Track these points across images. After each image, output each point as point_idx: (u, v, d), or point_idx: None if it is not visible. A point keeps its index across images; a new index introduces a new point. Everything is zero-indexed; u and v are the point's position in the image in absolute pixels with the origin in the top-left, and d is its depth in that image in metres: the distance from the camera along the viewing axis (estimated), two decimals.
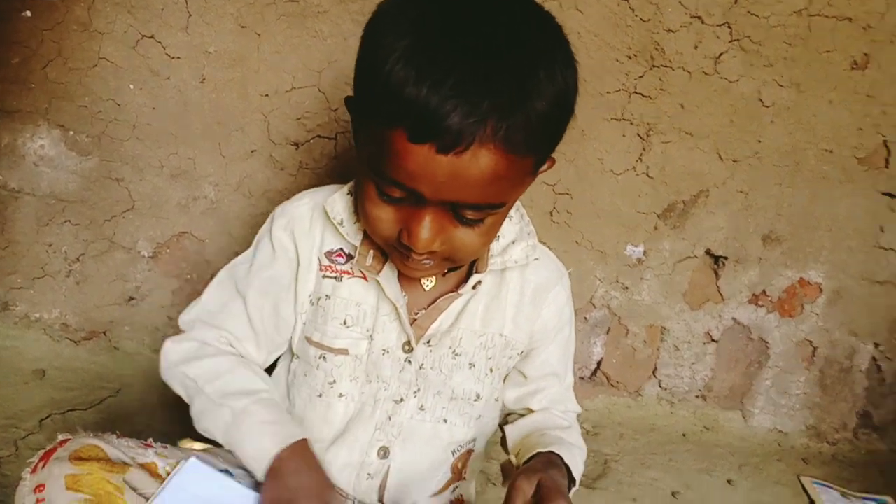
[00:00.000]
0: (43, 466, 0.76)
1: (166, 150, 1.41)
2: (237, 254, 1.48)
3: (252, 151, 1.44)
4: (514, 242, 0.91)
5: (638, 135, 1.62)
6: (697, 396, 1.79)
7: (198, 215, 1.46)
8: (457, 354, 0.92)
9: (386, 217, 0.77)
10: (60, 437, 0.80)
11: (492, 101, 0.65)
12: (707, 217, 1.69)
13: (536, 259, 0.94)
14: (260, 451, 0.82)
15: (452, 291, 0.90)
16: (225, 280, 0.95)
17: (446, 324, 0.91)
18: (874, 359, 1.82)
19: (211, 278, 0.96)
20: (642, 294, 1.70)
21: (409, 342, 0.90)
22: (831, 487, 1.66)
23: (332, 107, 1.44)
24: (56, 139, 1.38)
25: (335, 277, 0.91)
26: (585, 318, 1.69)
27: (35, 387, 1.34)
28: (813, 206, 1.70)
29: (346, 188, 0.91)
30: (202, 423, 0.88)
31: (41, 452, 0.78)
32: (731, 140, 1.65)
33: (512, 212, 0.91)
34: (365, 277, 0.90)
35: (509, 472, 0.93)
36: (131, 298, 1.46)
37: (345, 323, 0.90)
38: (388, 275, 0.88)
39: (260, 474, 0.81)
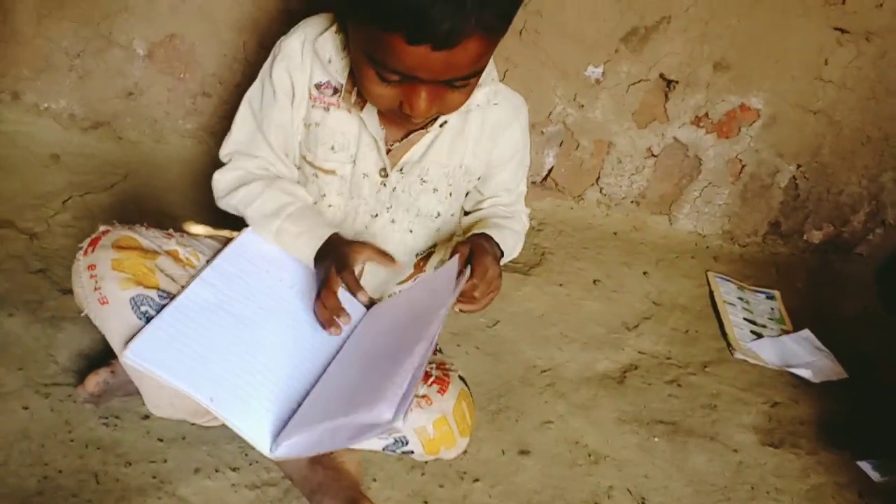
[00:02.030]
0: (92, 251, 0.99)
1: None
2: (226, 56, 1.60)
3: None
4: (479, 86, 1.02)
5: None
6: (632, 202, 2.03)
7: (188, 18, 1.53)
8: (424, 181, 1.10)
9: (387, 94, 0.92)
10: (102, 228, 1.02)
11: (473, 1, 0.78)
12: (666, 42, 1.79)
13: (496, 104, 1.09)
14: (305, 257, 1.05)
15: (423, 129, 1.06)
16: (246, 114, 1.09)
17: (417, 155, 1.07)
18: (794, 178, 2.03)
19: (233, 110, 1.10)
20: (595, 112, 1.86)
21: (384, 169, 1.07)
22: (730, 281, 1.96)
23: None
24: None
25: (324, 108, 1.04)
26: (542, 132, 1.87)
27: (53, 170, 1.51)
28: (765, 36, 1.79)
29: (334, 27, 1.01)
30: (259, 234, 1.09)
31: (88, 240, 1.01)
32: None
33: None
34: (349, 110, 1.04)
35: None
36: (130, 93, 1.58)
37: (332, 148, 1.06)
38: (369, 111, 1.03)
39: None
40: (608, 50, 1.78)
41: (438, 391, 1.07)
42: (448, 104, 0.95)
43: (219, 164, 1.10)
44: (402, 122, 1.01)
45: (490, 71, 1.06)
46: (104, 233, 1.01)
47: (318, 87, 1.04)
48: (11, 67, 1.51)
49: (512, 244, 1.16)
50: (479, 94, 1.04)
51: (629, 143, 1.93)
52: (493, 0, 0.81)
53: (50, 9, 1.47)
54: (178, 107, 1.63)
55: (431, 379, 1.09)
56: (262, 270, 1.04)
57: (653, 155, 1.95)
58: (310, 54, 1.02)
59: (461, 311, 1.01)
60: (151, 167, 1.59)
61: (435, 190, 1.12)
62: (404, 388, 0.79)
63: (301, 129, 1.07)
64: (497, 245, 1.09)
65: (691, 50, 1.81)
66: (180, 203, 1.53)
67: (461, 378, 1.14)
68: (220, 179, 1.09)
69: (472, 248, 1.01)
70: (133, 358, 0.88)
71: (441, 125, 1.06)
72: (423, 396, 1.05)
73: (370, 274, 1.13)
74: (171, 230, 1.08)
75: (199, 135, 1.68)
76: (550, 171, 1.94)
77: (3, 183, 1.43)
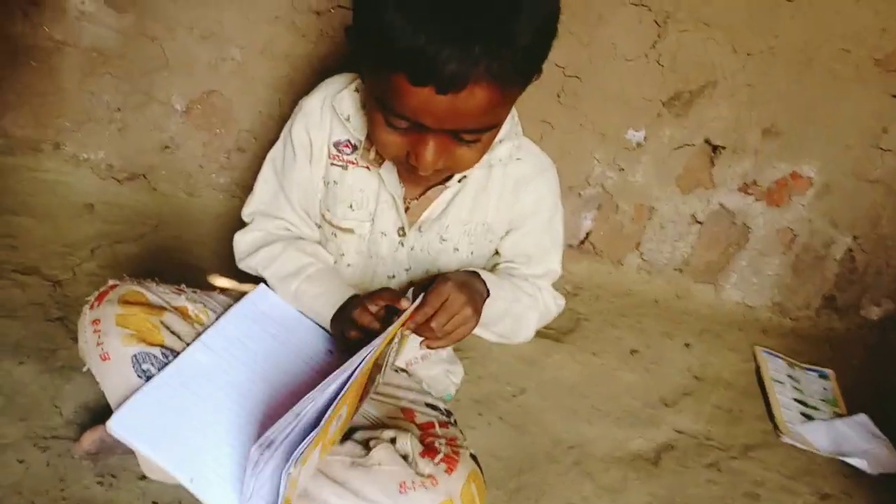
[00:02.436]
0: (98, 305, 0.97)
1: (196, 13, 1.50)
2: (261, 113, 1.62)
3: (276, 17, 1.52)
4: (501, 141, 1.00)
5: (655, 21, 1.64)
6: (675, 269, 1.95)
7: (225, 75, 1.57)
8: (443, 239, 1.06)
9: (394, 141, 0.88)
10: (110, 282, 1.00)
11: (482, 44, 0.74)
12: (711, 107, 1.74)
13: (519, 159, 1.04)
14: (322, 319, 1.02)
15: (442, 184, 1.03)
16: (268, 173, 1.08)
17: (436, 212, 1.04)
18: (850, 250, 1.93)
19: (257, 169, 1.11)
20: (636, 176, 1.81)
21: (402, 227, 1.04)
22: (779, 357, 1.84)
23: None
24: None
25: (342, 166, 1.03)
26: (580, 195, 1.82)
27: (87, 219, 1.54)
28: (817, 103, 1.73)
29: (353, 84, 1.00)
30: (279, 296, 1.06)
31: (96, 293, 0.99)
32: (747, 33, 1.66)
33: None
34: (368, 167, 1.02)
35: None
36: (166, 147, 1.62)
37: (350, 206, 1.04)
38: (388, 168, 1.00)
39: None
40: (650, 113, 1.74)
41: (446, 470, 0.99)
42: (458, 160, 0.91)
43: (244, 222, 1.10)
44: (415, 178, 0.97)
45: (513, 126, 1.03)
46: (112, 287, 1.00)
47: (336, 145, 1.03)
48: (55, 119, 1.57)
49: (510, 302, 1.05)
50: (501, 149, 1.01)
51: (672, 209, 1.87)
52: (505, 50, 0.76)
53: (94, 65, 1.53)
54: (212, 161, 1.66)
55: (439, 456, 1.00)
56: (268, 334, 1.00)
57: (697, 221, 1.89)
58: (329, 112, 1.02)
59: (425, 346, 0.94)
60: (183, 219, 1.61)
61: (455, 249, 1.08)
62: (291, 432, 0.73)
63: (321, 187, 1.06)
64: (477, 280, 1.00)
65: (738, 115, 1.76)
66: (208, 256, 1.53)
67: (473, 456, 1.06)
68: (241, 241, 1.08)
69: (432, 279, 0.93)
70: (116, 429, 0.85)
71: (460, 180, 1.02)
72: (429, 476, 0.97)
73: None
74: (182, 285, 1.06)
75: (232, 189, 1.69)
76: (588, 234, 1.89)
77: (36, 230, 1.46)
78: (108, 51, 1.52)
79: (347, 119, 1.00)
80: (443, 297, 0.90)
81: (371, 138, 0.96)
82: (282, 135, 1.07)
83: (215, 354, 0.94)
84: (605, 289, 1.90)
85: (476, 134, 0.86)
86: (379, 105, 0.85)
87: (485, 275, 1.01)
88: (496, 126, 0.88)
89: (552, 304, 1.14)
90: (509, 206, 1.08)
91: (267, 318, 1.02)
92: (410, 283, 1.08)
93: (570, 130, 1.73)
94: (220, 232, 1.61)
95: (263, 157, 1.09)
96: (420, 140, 0.86)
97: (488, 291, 1.00)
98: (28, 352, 1.20)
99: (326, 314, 1.01)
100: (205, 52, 1.54)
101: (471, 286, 0.96)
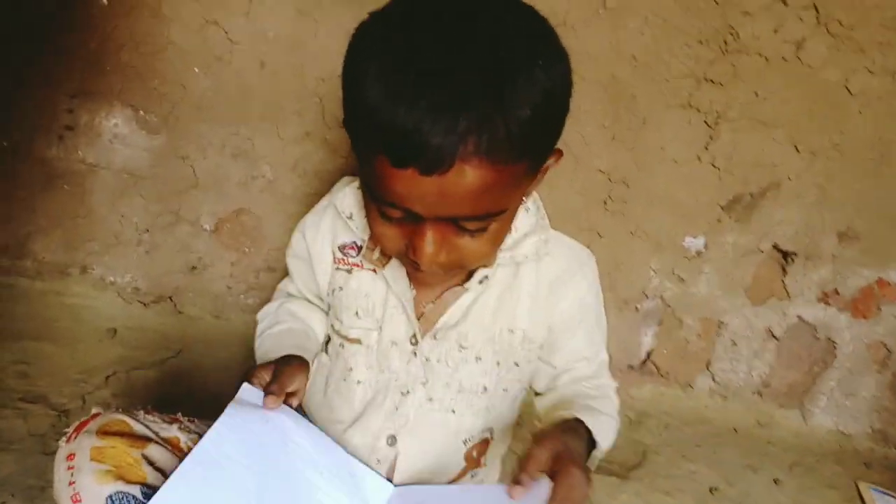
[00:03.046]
0: (75, 437, 0.85)
1: (228, 131, 1.50)
2: (291, 230, 1.56)
3: (307, 133, 1.50)
4: (526, 235, 0.90)
5: (705, 122, 1.55)
6: (754, 392, 1.74)
7: (256, 193, 1.54)
8: (463, 348, 0.93)
9: (391, 234, 0.78)
10: (93, 411, 0.88)
11: (468, 117, 0.63)
12: (777, 210, 1.61)
13: (548, 254, 0.92)
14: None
15: (459, 286, 0.91)
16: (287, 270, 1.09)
17: (454, 318, 0.91)
18: None
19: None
20: (699, 286, 1.66)
21: (415, 335, 0.92)
22: (890, 495, 1.59)
23: None
24: (128, 118, 1.49)
25: (347, 270, 0.94)
26: (637, 308, 1.67)
27: (107, 344, 1.48)
28: None
29: (356, 182, 0.93)
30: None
31: (75, 424, 0.87)
32: (809, 130, 1.55)
33: (529, 203, 0.91)
34: (374, 270, 0.92)
35: None
36: (194, 268, 1.58)
37: (357, 314, 0.94)
38: (394, 268, 0.90)
39: None
40: (708, 219, 1.61)
41: None
42: (465, 254, 0.78)
43: None
44: (423, 276, 0.86)
45: (538, 219, 0.92)
46: (94, 416, 0.88)
47: (342, 248, 0.95)
48: (84, 243, 1.55)
49: (606, 433, 0.93)
50: (527, 245, 0.90)
51: (744, 323, 1.69)
52: (498, 121, 0.65)
53: (125, 187, 1.52)
54: (240, 282, 1.60)
55: None
56: (250, 458, 0.86)
57: (774, 337, 1.70)
58: (332, 214, 0.95)
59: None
60: (208, 343, 1.54)
61: (478, 359, 0.94)
62: None
63: (328, 297, 0.98)
64: (587, 437, 0.87)
65: (808, 218, 1.61)
66: (230, 382, 1.41)
67: None
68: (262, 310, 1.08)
69: (554, 453, 0.78)
70: None
71: (481, 281, 0.90)
72: None
73: (407, 459, 0.95)
74: (178, 414, 0.94)
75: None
76: (650, 353, 1.71)
77: (53, 356, 1.40)
78: (139, 171, 1.53)
79: (350, 217, 0.91)
80: (573, 489, 0.75)
81: (370, 231, 0.86)
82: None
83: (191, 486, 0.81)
84: (674, 416, 1.70)
85: (477, 222, 0.74)
86: (370, 195, 0.76)
87: (589, 422, 0.88)
88: (500, 213, 0.75)
89: (616, 400, 1.02)
90: (547, 311, 0.95)
91: (249, 432, 0.88)
92: (430, 400, 0.94)
93: (620, 239, 1.61)
94: (246, 356, 1.52)
95: None
96: (417, 231, 0.74)
97: (593, 443, 0.88)
98: (15, 489, 1.09)
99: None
100: (235, 170, 1.53)
101: (583, 457, 0.83)
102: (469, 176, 0.66)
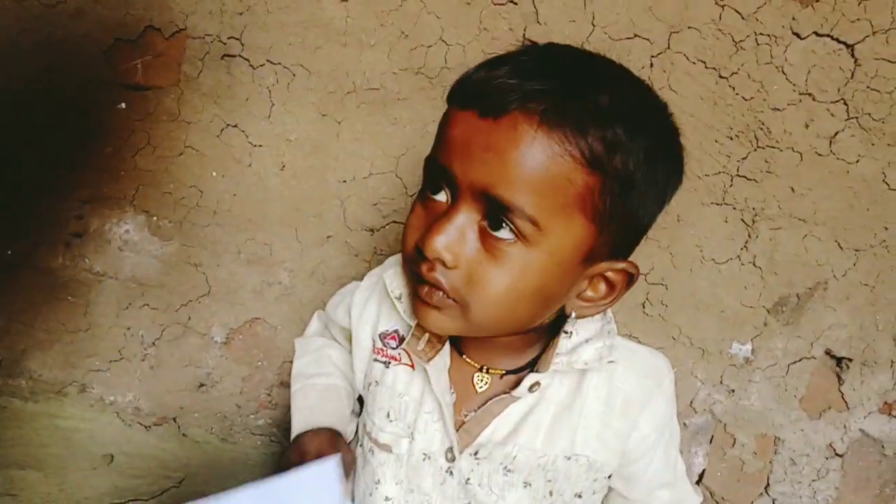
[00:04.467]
0: None
1: (244, 236, 1.42)
2: None
3: (328, 237, 1.43)
4: (588, 341, 0.78)
5: (742, 220, 1.48)
6: None
7: (271, 301, 1.44)
8: (509, 471, 0.79)
9: (416, 223, 0.73)
10: None
11: (544, 85, 0.65)
12: (826, 313, 1.50)
13: (612, 361, 0.79)
14: (293, 431, 0.90)
15: (506, 393, 0.79)
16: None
17: (501, 433, 0.79)
18: None
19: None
20: (751, 398, 1.51)
21: (451, 449, 0.79)
22: None
23: (409, 192, 1.40)
24: (140, 224, 1.42)
25: (384, 363, 0.84)
26: (685, 424, 1.52)
27: (102, 472, 1.33)
28: None
29: None
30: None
31: None
32: (851, 227, 1.47)
33: (597, 315, 0.80)
34: (412, 366, 0.81)
35: None
36: (202, 385, 1.45)
37: (388, 415, 0.83)
38: (438, 365, 0.79)
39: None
40: (755, 323, 1.50)
41: None
42: (471, 269, 0.68)
43: None
44: (424, 308, 0.74)
45: (605, 324, 0.81)
46: None
47: (382, 337, 0.86)
48: (84, 359, 1.43)
49: None
50: (588, 350, 0.78)
51: (802, 439, 1.53)
52: (569, 107, 0.64)
53: (132, 297, 1.43)
54: (251, 400, 1.46)
55: None
56: None
57: (836, 454, 1.53)
58: (379, 293, 0.88)
59: None
60: (213, 470, 1.39)
61: (527, 485, 0.80)
62: None
63: (364, 391, 0.90)
64: None
65: (860, 321, 1.50)
66: None
67: None
68: (314, 320, 1.10)
69: None
70: None
71: (532, 388, 0.77)
72: None
73: None
74: None
75: (272, 432, 1.47)
76: (702, 475, 1.54)
77: (39, 487, 1.25)
78: (147, 280, 1.43)
79: (399, 298, 0.82)
80: None
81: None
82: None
83: None
84: None
85: (506, 214, 0.66)
86: (423, 174, 0.75)
87: None
88: (532, 223, 0.66)
89: None
90: (621, 437, 0.81)
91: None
92: None
93: (661, 345, 1.49)
94: None
95: None
96: (441, 217, 0.70)
97: None
98: None
99: (295, 429, 0.91)
100: (251, 277, 1.43)
101: None
102: (520, 130, 0.64)
